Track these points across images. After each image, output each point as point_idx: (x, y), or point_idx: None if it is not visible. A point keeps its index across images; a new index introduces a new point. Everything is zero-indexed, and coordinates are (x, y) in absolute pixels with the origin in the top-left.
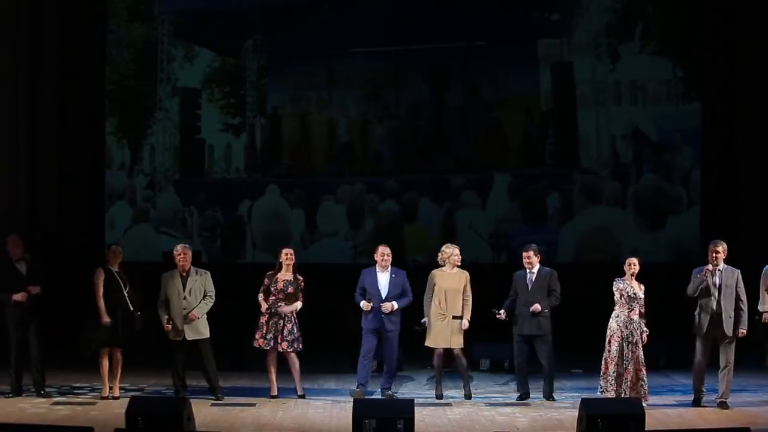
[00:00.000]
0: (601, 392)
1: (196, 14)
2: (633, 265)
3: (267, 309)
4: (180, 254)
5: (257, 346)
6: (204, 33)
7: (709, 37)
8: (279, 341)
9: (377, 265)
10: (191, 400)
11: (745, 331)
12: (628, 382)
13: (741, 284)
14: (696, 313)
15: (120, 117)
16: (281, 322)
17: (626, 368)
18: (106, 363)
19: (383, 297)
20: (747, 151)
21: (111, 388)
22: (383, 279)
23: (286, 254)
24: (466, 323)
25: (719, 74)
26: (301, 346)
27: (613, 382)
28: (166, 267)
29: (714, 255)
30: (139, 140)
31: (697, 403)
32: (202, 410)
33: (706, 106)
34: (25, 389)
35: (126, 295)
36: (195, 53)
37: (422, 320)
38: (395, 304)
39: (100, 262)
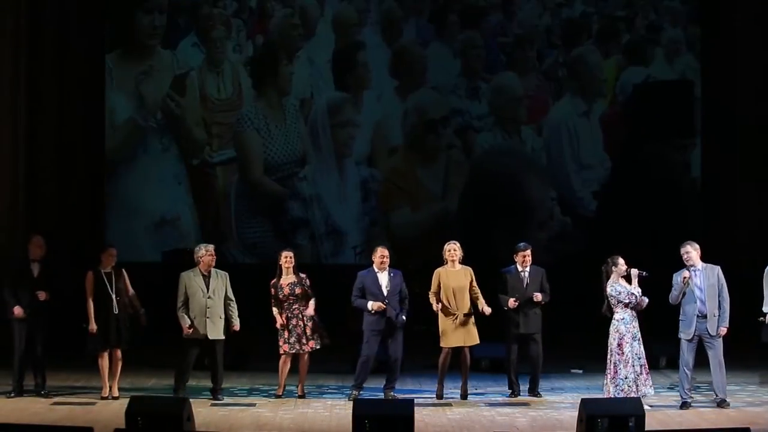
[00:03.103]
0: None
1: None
2: (620, 264)
3: (284, 317)
4: (210, 254)
5: (283, 352)
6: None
7: (708, 35)
8: (305, 342)
9: (374, 266)
10: (191, 400)
11: (725, 329)
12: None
13: (723, 280)
14: (681, 317)
15: None
16: (301, 324)
17: (642, 364)
18: (105, 363)
19: (385, 296)
20: (747, 150)
21: (110, 388)
22: (383, 279)
23: (285, 257)
24: (488, 309)
25: (719, 73)
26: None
27: (633, 383)
28: (165, 267)
29: (684, 257)
30: None
31: (685, 406)
32: (202, 410)
33: (706, 106)
34: (26, 389)
35: (114, 298)
36: None
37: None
38: (404, 318)
39: (91, 264)
